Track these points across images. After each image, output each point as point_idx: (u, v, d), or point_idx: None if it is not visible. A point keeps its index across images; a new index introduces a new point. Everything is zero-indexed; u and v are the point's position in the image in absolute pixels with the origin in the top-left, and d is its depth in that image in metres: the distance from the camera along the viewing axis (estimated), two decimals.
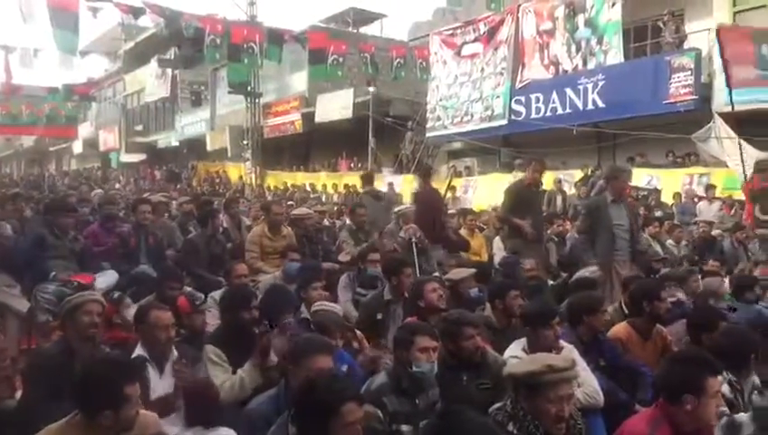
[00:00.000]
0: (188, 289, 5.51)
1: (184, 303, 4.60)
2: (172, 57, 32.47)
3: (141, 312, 3.98)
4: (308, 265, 6.28)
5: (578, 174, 16.15)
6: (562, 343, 3.94)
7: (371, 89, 21.98)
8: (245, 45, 18.05)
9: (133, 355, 3.70)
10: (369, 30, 29.49)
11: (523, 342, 3.97)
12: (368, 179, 10.87)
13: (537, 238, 7.63)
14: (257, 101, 25.12)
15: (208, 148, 30.92)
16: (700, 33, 15.70)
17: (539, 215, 8.10)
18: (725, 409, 3.21)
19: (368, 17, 29.44)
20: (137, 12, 16.58)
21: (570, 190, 15.67)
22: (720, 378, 2.92)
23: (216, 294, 5.42)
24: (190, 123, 33.63)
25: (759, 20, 14.89)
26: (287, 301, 4.59)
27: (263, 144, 25.82)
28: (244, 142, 25.64)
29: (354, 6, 28.36)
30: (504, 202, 8.12)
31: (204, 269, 6.95)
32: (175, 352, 3.86)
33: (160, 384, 3.68)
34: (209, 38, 17.42)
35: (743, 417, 3.17)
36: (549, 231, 9.51)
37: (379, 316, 5.16)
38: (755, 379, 3.71)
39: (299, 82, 26.68)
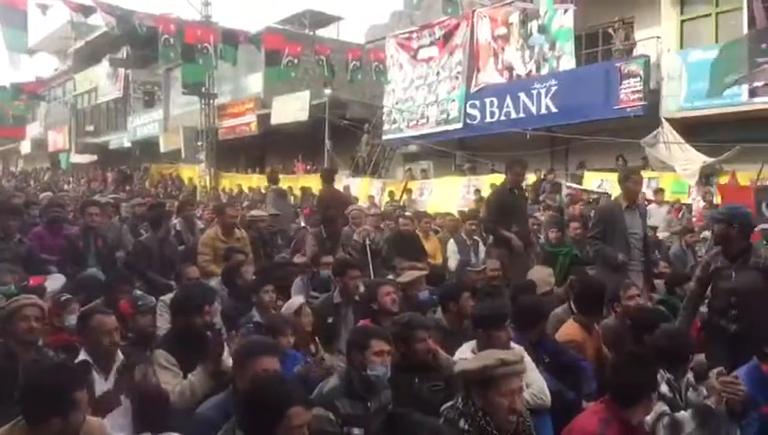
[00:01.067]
0: (139, 292, 5.43)
1: (125, 306, 4.52)
2: (124, 57, 31.89)
3: (84, 316, 3.90)
4: (259, 269, 6.24)
5: (531, 178, 16.36)
6: (513, 344, 3.99)
7: (328, 91, 21.93)
8: (200, 46, 17.82)
9: (77, 360, 3.62)
10: (326, 32, 29.41)
11: (472, 344, 4.00)
12: (272, 178, 11.92)
13: (522, 250, 7.19)
14: (212, 102, 24.84)
15: (162, 149, 30.45)
16: (649, 41, 16.11)
17: (525, 222, 7.68)
18: (666, 408, 3.29)
19: (324, 19, 29.35)
20: (87, 10, 16.26)
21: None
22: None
23: (167, 297, 5.34)
24: (143, 124, 33.05)
25: (704, 27, 15.38)
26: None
27: (217, 146, 25.54)
28: (199, 144, 25.32)
29: (310, 8, 28.26)
30: (488, 210, 7.86)
31: (155, 272, 6.85)
32: (120, 357, 3.78)
33: (106, 389, 3.60)
34: (162, 38, 17.15)
35: (684, 415, 3.26)
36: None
37: (330, 320, 5.15)
38: (690, 377, 3.82)
39: (255, 83, 26.46)
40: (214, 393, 3.50)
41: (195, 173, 25.94)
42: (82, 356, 3.70)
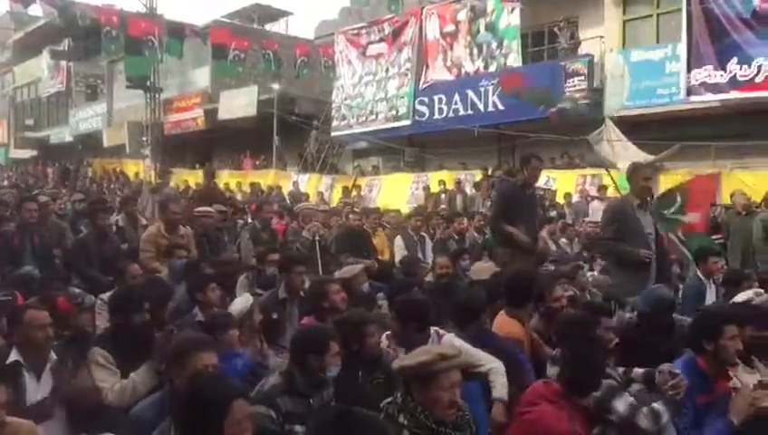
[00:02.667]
0: (77, 290, 5.28)
1: (63, 303, 4.39)
2: (66, 48, 30.96)
3: (16, 312, 3.77)
4: (203, 265, 6.14)
5: (479, 174, 16.56)
6: (443, 332, 4.05)
7: (276, 86, 21.75)
8: (144, 38, 17.50)
9: (8, 360, 3.50)
10: (275, 27, 29.18)
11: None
12: (208, 174, 12.10)
13: (531, 249, 6.66)
14: (157, 96, 24.34)
15: (105, 144, 29.71)
16: (593, 40, 16.43)
17: (533, 224, 6.96)
18: (633, 399, 3.42)
19: (273, 14, 29.12)
20: (26, 0, 15.76)
21: (470, 190, 16.05)
22: None
23: (106, 295, 5.21)
24: (85, 118, 32.22)
25: (646, 28, 15.76)
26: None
27: (163, 141, 25.06)
28: (144, 139, 24.79)
29: (259, 3, 27.98)
30: (493, 207, 7.39)
31: (95, 270, 6.68)
32: (53, 356, 3.67)
33: (38, 390, 3.49)
34: (105, 30, 16.78)
35: (660, 405, 3.38)
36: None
37: (275, 316, 5.10)
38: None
39: (202, 77, 26.08)
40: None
41: (139, 168, 25.40)
42: (14, 356, 3.57)
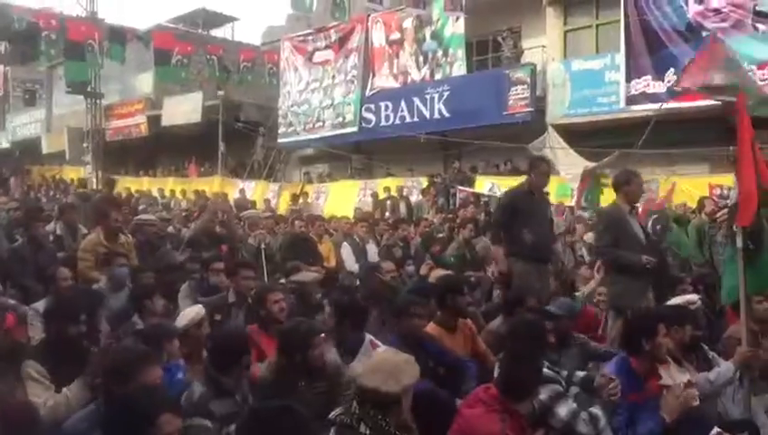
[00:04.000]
0: (12, 302, 5.12)
1: (11, 319, 4.25)
2: (2, 52, 30.04)
3: None
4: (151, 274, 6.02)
5: (424, 181, 16.69)
6: (378, 342, 4.08)
7: (221, 92, 21.51)
8: (85, 43, 17.10)
9: None
10: (221, 33, 28.89)
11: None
12: (108, 184, 11.67)
13: (543, 257, 6.22)
14: (98, 102, 23.79)
15: (44, 150, 28.92)
16: (536, 50, 16.77)
17: (544, 230, 6.39)
18: (575, 405, 3.49)
19: (218, 19, 28.77)
20: None
21: (416, 197, 16.19)
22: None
23: (40, 304, 5.05)
24: (23, 124, 31.29)
25: (586, 38, 16.15)
26: None
27: (105, 147, 24.50)
28: (85, 145, 24.20)
29: (205, 8, 27.63)
30: (496, 211, 7.04)
31: (30, 279, 6.48)
32: None
33: None
34: (44, 34, 16.35)
35: (598, 409, 3.46)
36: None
37: (218, 317, 5.04)
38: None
39: (144, 83, 25.60)
40: None
41: (81, 176, 24.75)
42: None
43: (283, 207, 17.62)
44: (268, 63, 20.12)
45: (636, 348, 3.86)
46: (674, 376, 3.76)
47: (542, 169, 6.31)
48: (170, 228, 11.24)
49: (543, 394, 3.50)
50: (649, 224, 9.23)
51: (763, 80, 12.70)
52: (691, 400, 3.61)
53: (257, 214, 10.80)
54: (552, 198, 13.60)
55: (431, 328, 4.82)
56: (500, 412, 3.23)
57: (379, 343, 4.27)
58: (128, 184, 24.22)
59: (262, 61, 20.01)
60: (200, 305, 4.79)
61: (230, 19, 29.22)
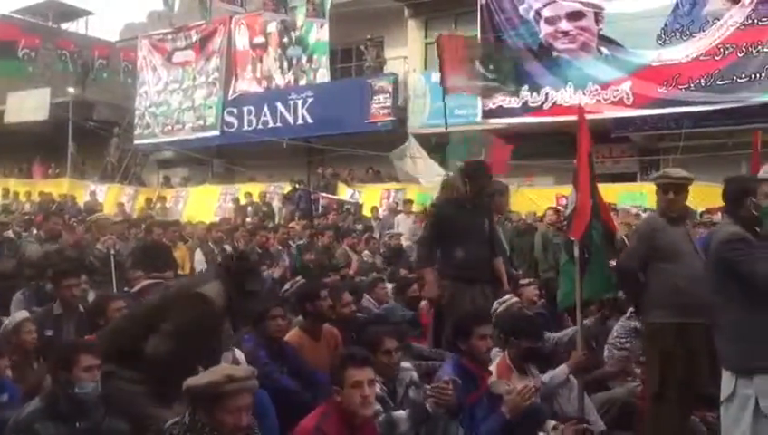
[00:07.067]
0: None
1: None
2: None
3: None
4: None
5: (286, 187, 16.55)
6: (239, 352, 3.97)
7: (71, 90, 20.28)
8: None
9: None
10: (73, 27, 27.25)
11: None
12: None
13: (472, 277, 5.35)
14: None
15: None
16: (397, 60, 17.12)
17: (478, 246, 5.42)
18: (380, 407, 3.46)
19: (71, 13, 27.08)
20: None
21: (278, 203, 16.04)
22: (366, 370, 3.12)
23: None
24: None
25: None
26: None
27: None
28: None
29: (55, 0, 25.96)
30: (425, 225, 6.28)
31: None
32: None
33: None
34: None
35: (400, 414, 3.45)
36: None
37: (50, 333, 4.70)
38: (413, 374, 4.06)
39: None
40: None
41: None
42: None
43: (138, 211, 16.86)
44: (124, 61, 19.19)
45: (457, 348, 4.00)
46: (515, 385, 3.86)
47: (476, 175, 5.53)
48: (9, 232, 10.47)
49: None
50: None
51: (606, 99, 13.64)
52: (530, 396, 3.75)
53: (106, 218, 10.22)
54: (414, 207, 13.97)
55: (295, 334, 4.76)
56: (324, 413, 3.15)
57: (242, 353, 4.19)
58: None
59: (117, 58, 19.04)
60: (25, 311, 4.46)
61: (84, 13, 27.63)
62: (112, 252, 7.59)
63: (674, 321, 4.19)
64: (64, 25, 26.83)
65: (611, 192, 10.36)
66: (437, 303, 5.51)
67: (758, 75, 12.09)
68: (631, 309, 5.15)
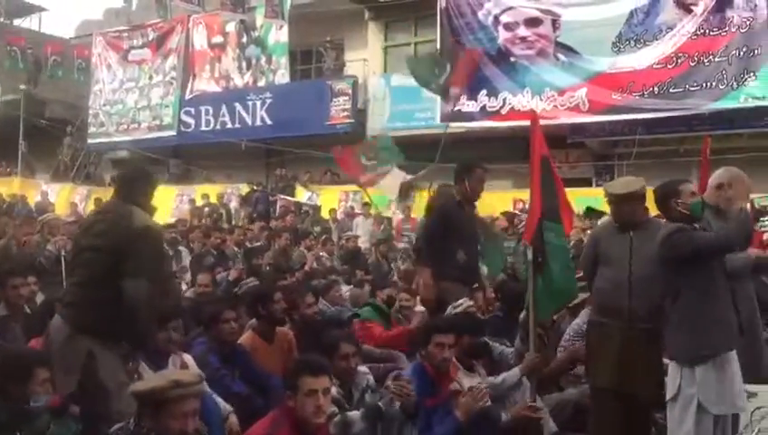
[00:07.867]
0: None
1: None
2: None
3: None
4: None
5: (245, 189, 16.40)
6: (188, 356, 3.92)
7: (22, 87, 19.77)
8: None
9: None
10: (26, 23, 26.57)
11: None
12: None
13: (470, 280, 5.43)
14: None
15: None
16: (357, 63, 17.11)
17: (474, 246, 5.55)
18: (335, 408, 3.43)
19: (23, 8, 26.42)
20: None
21: (235, 204, 15.87)
22: (321, 379, 3.09)
23: None
24: None
25: (405, 54, 16.70)
26: None
27: None
28: None
29: None
30: (425, 227, 6.14)
31: None
32: None
33: None
34: None
35: (354, 414, 3.44)
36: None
37: None
38: (370, 378, 4.05)
39: None
40: None
41: None
42: None
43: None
44: (78, 59, 18.76)
45: (419, 353, 4.04)
46: (462, 382, 3.92)
47: (477, 174, 5.39)
48: None
49: None
50: None
51: (563, 105, 13.82)
52: (482, 399, 3.77)
53: (57, 218, 9.97)
54: (372, 209, 13.95)
55: (248, 337, 4.72)
56: (276, 421, 3.12)
57: (190, 357, 4.12)
58: None
59: (71, 55, 18.60)
60: None
61: (36, 9, 26.97)
62: (63, 253, 7.41)
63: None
64: (16, 21, 26.17)
65: (568, 196, 10.49)
66: (430, 304, 5.41)
67: (709, 84, 12.39)
68: (584, 311, 5.24)
